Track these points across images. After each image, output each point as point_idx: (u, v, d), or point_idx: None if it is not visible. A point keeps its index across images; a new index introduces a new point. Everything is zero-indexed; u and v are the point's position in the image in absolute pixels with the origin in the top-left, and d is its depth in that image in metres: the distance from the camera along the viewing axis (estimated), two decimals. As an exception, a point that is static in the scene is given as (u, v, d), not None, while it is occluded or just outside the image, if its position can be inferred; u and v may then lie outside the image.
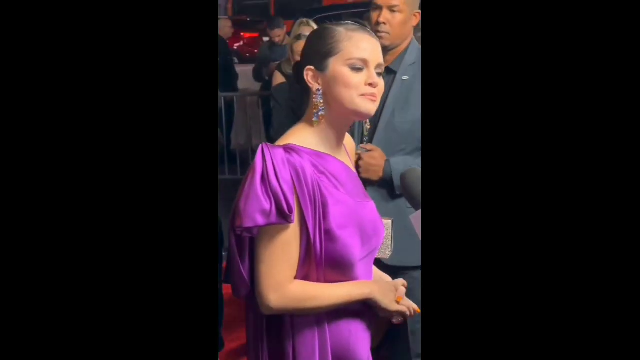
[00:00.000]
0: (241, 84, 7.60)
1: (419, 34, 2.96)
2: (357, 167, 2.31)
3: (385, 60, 2.47)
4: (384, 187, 2.39)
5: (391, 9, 2.43)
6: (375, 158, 2.35)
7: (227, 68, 7.24)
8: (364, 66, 1.50)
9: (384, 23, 2.43)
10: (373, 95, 1.50)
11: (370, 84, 1.49)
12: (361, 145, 2.36)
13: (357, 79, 1.49)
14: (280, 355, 1.53)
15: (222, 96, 6.76)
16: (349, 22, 1.56)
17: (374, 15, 2.47)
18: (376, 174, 2.37)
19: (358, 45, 1.50)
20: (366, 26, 1.56)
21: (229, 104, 7.16)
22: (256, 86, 7.21)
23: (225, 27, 7.55)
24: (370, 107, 1.50)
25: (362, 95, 1.49)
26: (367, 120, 1.66)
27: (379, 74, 1.52)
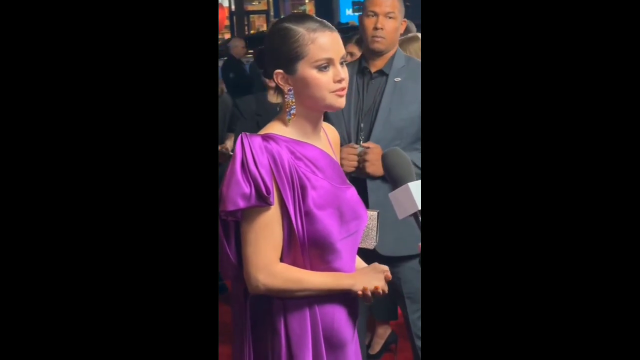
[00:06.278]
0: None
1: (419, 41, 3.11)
2: (364, 162, 2.44)
3: (376, 65, 2.62)
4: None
5: (388, 15, 2.55)
6: (378, 154, 2.43)
7: (245, 87, 7.37)
8: (330, 64, 1.59)
9: (382, 29, 2.55)
10: (342, 89, 1.60)
11: (339, 81, 1.59)
12: (362, 143, 2.47)
13: (326, 78, 1.58)
14: (268, 336, 1.61)
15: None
16: (308, 18, 1.62)
17: (369, 21, 2.58)
18: (380, 170, 2.46)
19: (322, 47, 1.58)
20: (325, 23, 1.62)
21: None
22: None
23: (238, 46, 7.62)
24: (341, 102, 1.61)
25: (333, 92, 1.59)
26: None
27: (341, 64, 1.60)
